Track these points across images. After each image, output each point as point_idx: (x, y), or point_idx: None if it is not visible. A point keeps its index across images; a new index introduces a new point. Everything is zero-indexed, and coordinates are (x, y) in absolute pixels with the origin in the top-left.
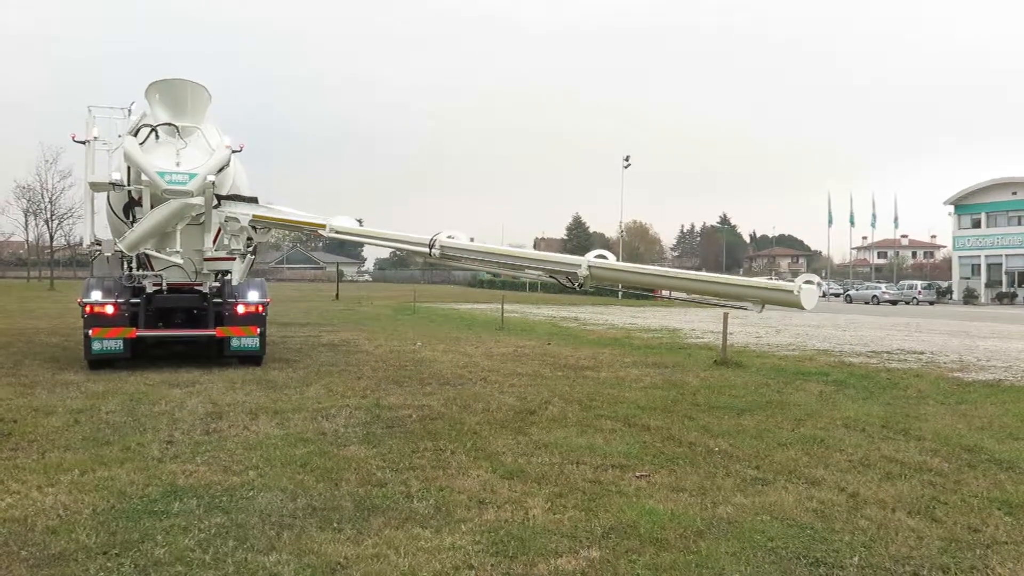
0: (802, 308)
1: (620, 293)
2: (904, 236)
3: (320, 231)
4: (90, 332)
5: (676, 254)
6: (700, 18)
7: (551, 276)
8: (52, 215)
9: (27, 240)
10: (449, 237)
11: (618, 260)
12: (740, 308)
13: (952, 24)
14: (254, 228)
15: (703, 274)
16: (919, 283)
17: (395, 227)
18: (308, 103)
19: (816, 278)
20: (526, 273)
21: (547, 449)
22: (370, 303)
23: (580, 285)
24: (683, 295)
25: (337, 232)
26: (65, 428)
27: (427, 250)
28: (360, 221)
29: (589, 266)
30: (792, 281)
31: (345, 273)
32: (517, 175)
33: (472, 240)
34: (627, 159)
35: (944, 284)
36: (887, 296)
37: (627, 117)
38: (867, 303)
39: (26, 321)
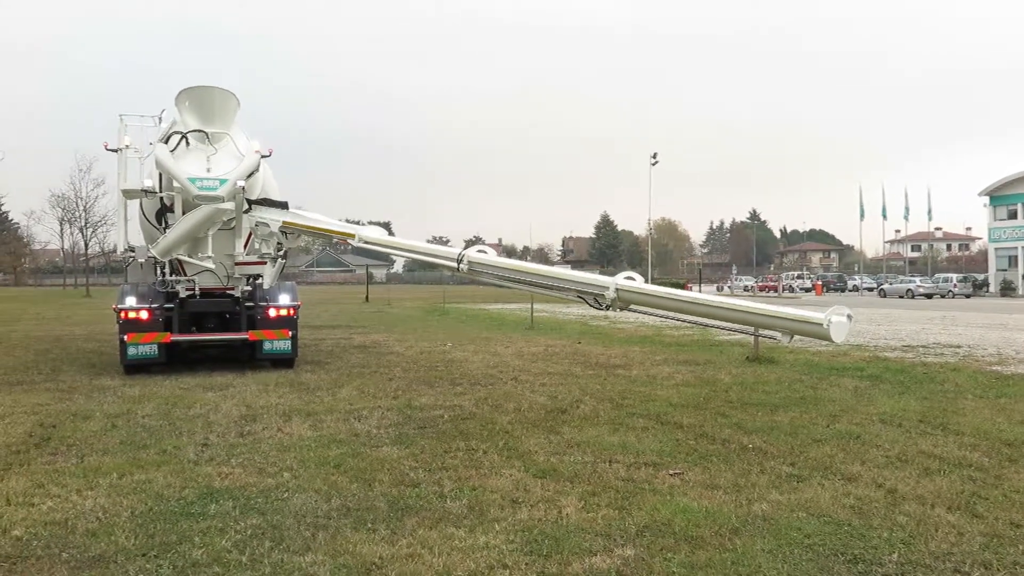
0: (831, 342)
1: None
2: (938, 228)
3: (349, 240)
4: (126, 337)
5: (705, 251)
6: (725, 12)
7: (579, 296)
8: (86, 223)
9: (63, 248)
10: (479, 251)
11: (648, 256)
12: (769, 339)
13: (985, 8)
14: (284, 234)
15: (732, 301)
16: (954, 276)
17: (421, 227)
18: (326, 109)
19: (847, 310)
20: (553, 292)
21: (579, 448)
22: (400, 305)
23: (607, 307)
24: (711, 322)
25: (366, 242)
26: (103, 432)
27: (455, 264)
28: (388, 224)
29: (617, 288)
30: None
31: (375, 275)
32: (545, 174)
33: (500, 240)
34: (655, 156)
35: (980, 277)
36: (922, 290)
37: (655, 114)
38: (901, 297)
39: (63, 328)
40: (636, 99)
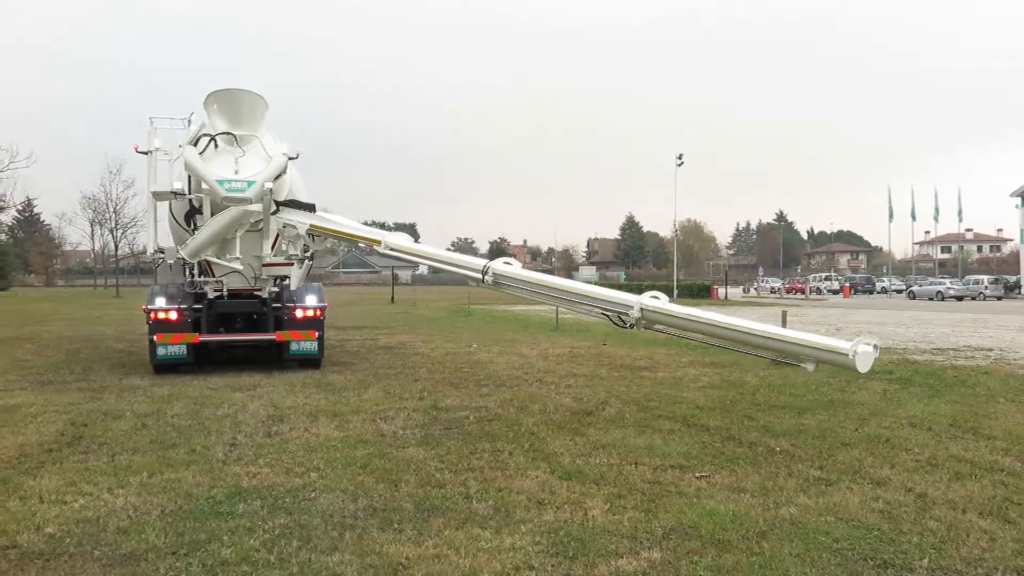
0: (856, 372)
1: (675, 293)
2: (969, 230)
3: (375, 247)
4: (155, 338)
5: (732, 252)
6: (752, 10)
7: (603, 313)
8: (117, 224)
9: (93, 249)
10: (505, 263)
11: (674, 258)
12: (793, 365)
13: (1018, 6)
14: (311, 236)
15: (758, 326)
16: (985, 278)
17: (445, 228)
18: (350, 111)
19: (875, 340)
20: (577, 308)
21: (605, 450)
22: (425, 306)
23: (631, 326)
24: (736, 347)
25: (392, 249)
26: (133, 431)
27: (480, 276)
28: (414, 225)
29: (642, 308)
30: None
31: (400, 276)
32: (570, 175)
33: (525, 242)
34: (680, 157)
35: (1012, 279)
36: (952, 292)
37: (680, 114)
38: (931, 299)
39: (94, 328)
40: (661, 99)
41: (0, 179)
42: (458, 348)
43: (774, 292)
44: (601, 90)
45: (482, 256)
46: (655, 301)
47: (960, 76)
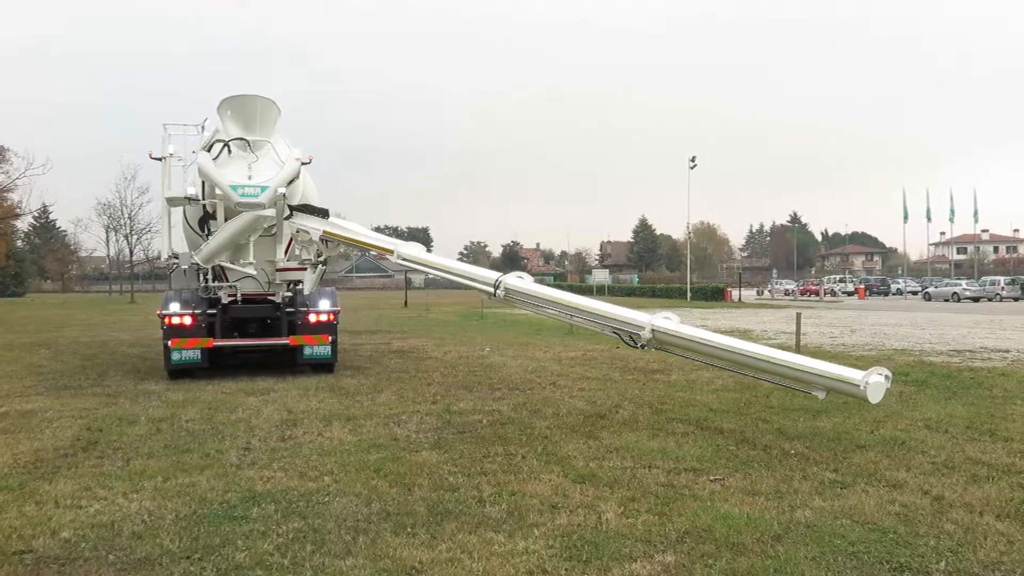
0: (867, 401)
1: (689, 295)
2: (985, 230)
3: (388, 256)
4: (170, 343)
5: (745, 254)
6: (765, 10)
7: (614, 332)
8: (131, 230)
9: (108, 255)
10: (517, 277)
11: (687, 261)
12: (803, 391)
13: None
14: (324, 242)
15: (772, 353)
16: (1002, 279)
17: (460, 231)
18: (362, 114)
19: (886, 371)
20: (588, 326)
21: (619, 453)
22: (438, 310)
23: (643, 346)
24: (749, 372)
25: (404, 259)
26: (148, 436)
27: (491, 290)
28: (426, 229)
29: (653, 329)
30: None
31: (413, 281)
32: (583, 177)
33: (538, 245)
34: (693, 160)
35: None
36: (968, 293)
37: (694, 117)
38: (947, 300)
39: (109, 333)
40: (675, 101)
41: (16, 186)
42: (471, 352)
43: (788, 294)
44: (613, 91)
45: (495, 260)
46: (667, 322)
47: (975, 76)
